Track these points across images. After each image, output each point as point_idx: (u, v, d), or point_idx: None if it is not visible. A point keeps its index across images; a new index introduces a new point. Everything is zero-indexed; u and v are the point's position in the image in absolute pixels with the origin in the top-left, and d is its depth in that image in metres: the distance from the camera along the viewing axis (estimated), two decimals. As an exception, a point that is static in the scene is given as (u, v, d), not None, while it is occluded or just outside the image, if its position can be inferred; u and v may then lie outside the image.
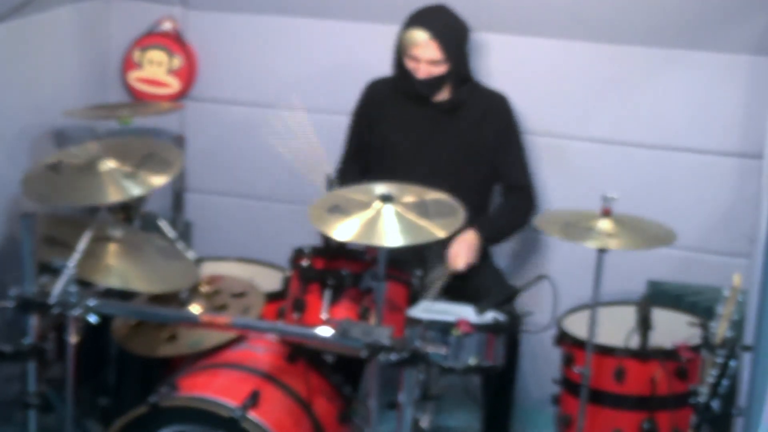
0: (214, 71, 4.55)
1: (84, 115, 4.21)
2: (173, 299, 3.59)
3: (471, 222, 3.72)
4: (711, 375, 3.18)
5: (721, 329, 3.18)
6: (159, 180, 3.47)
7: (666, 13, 4.04)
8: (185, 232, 4.56)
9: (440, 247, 3.85)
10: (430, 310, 3.44)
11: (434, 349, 2.94)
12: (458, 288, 3.90)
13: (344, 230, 3.15)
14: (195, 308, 3.59)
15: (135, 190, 3.43)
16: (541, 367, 4.17)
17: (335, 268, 3.39)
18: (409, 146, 4.06)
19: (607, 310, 3.69)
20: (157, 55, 4.50)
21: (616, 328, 3.57)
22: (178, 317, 3.46)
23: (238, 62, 4.53)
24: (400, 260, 3.42)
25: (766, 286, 3.33)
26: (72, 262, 3.03)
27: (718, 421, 3.24)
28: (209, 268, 3.92)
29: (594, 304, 3.40)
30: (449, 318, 3.37)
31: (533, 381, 4.29)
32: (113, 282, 3.40)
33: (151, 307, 3.56)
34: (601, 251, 3.38)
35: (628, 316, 3.55)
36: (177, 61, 4.49)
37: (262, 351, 3.52)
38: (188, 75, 4.51)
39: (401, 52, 3.98)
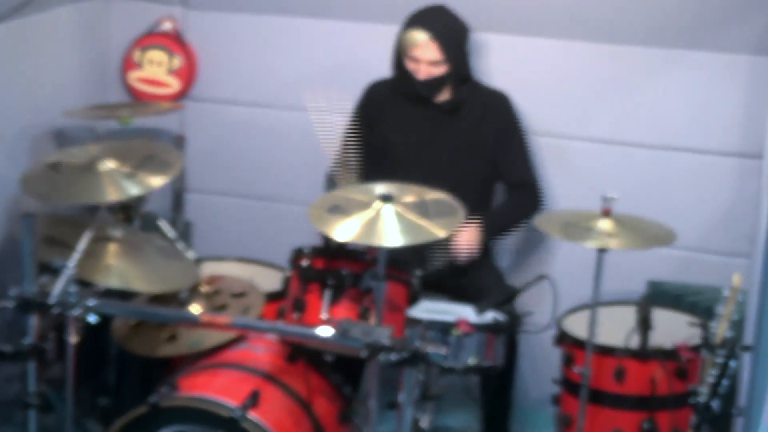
0: (214, 71, 4.55)
1: (84, 115, 4.21)
2: (173, 299, 3.59)
3: (474, 217, 3.75)
4: (711, 375, 3.18)
5: (721, 329, 3.18)
6: (157, 181, 3.47)
7: (666, 13, 4.04)
8: (185, 232, 4.57)
9: (440, 247, 3.87)
10: (430, 310, 3.44)
11: (434, 349, 2.94)
12: (458, 288, 3.90)
13: (344, 230, 3.15)
14: (195, 308, 3.59)
15: (133, 190, 3.43)
16: (540, 367, 4.17)
17: (335, 268, 3.39)
18: (410, 147, 4.05)
19: (607, 310, 3.69)
20: (157, 55, 4.50)
21: (616, 328, 3.57)
22: (178, 317, 3.46)
23: (238, 62, 4.53)
24: (400, 260, 3.42)
25: (766, 286, 3.33)
26: (72, 262, 3.03)
27: (718, 421, 3.24)
28: (209, 268, 3.92)
29: (594, 304, 3.40)
30: (449, 318, 3.37)
31: (532, 381, 4.29)
32: (113, 282, 3.40)
33: (151, 307, 3.56)
34: (601, 251, 3.38)
35: (628, 316, 3.55)
36: (177, 61, 4.49)
37: (262, 351, 3.52)
38: (188, 75, 4.51)
39: (401, 53, 3.97)
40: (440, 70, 3.94)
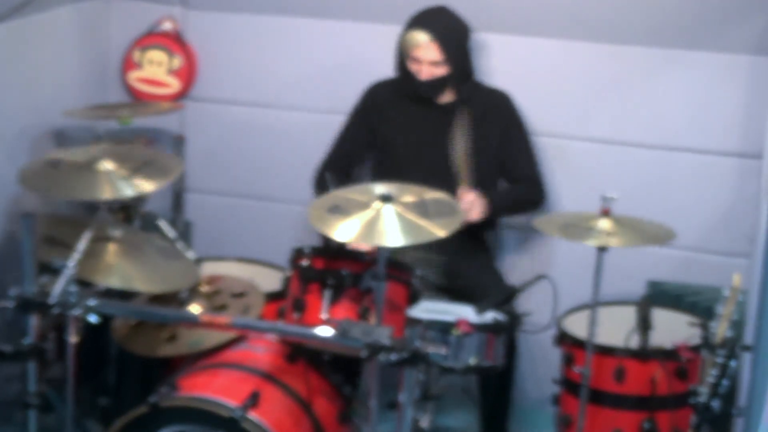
0: (214, 71, 4.55)
1: (84, 115, 4.21)
2: (173, 299, 3.59)
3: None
4: (711, 375, 3.18)
5: (721, 329, 3.18)
6: (152, 186, 3.44)
7: (666, 13, 4.04)
8: (185, 232, 4.56)
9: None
10: (430, 310, 3.44)
11: (434, 349, 2.94)
12: (458, 288, 3.90)
13: (344, 230, 3.15)
14: (195, 308, 3.59)
15: (128, 191, 3.41)
16: (540, 367, 4.18)
17: (335, 268, 3.39)
18: (412, 147, 4.06)
19: (607, 310, 3.69)
20: (157, 55, 4.50)
21: (616, 328, 3.57)
22: (178, 317, 3.46)
23: (238, 62, 4.53)
24: (399, 260, 3.42)
25: (766, 286, 3.33)
26: (72, 262, 3.02)
27: (718, 421, 3.24)
28: (209, 268, 3.92)
29: (594, 304, 3.40)
30: (449, 318, 3.37)
31: (532, 381, 4.29)
32: (113, 282, 3.39)
33: (151, 307, 3.56)
34: (601, 250, 3.38)
35: (628, 316, 3.55)
36: (177, 61, 4.49)
37: (262, 351, 3.52)
38: (188, 75, 4.51)
39: (403, 54, 3.98)
40: (442, 71, 3.94)
